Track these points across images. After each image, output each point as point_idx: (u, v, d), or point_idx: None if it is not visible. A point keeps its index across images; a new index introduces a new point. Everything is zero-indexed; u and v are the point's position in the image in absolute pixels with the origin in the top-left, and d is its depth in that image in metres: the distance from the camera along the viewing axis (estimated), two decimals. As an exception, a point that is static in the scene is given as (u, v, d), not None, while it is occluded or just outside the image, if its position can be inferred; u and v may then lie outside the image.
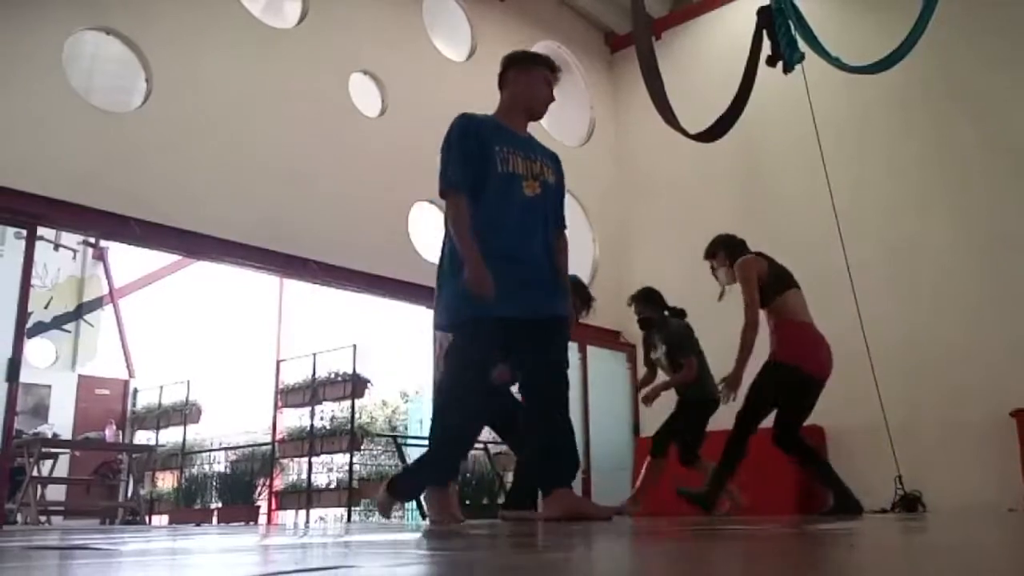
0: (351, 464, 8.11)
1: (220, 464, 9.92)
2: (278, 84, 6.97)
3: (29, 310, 6.17)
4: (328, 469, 8.76)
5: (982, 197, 7.34)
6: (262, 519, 8.92)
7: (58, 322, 11.84)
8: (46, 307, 11.61)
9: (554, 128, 8.17)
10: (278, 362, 9.17)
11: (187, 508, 9.67)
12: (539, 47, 9.26)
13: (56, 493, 9.62)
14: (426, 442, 6.54)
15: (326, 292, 8.16)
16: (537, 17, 9.41)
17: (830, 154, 6.75)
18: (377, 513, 5.74)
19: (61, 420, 11.04)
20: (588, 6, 10.01)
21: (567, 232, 3.71)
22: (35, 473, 7.94)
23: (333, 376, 8.43)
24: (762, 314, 4.61)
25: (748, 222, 8.49)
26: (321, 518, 8.99)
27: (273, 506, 8.93)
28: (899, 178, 7.81)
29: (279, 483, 9.01)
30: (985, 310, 7.10)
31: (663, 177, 9.36)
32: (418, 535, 2.77)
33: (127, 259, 12.17)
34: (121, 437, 10.96)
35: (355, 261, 7.26)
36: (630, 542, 1.97)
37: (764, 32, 6.82)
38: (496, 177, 3.39)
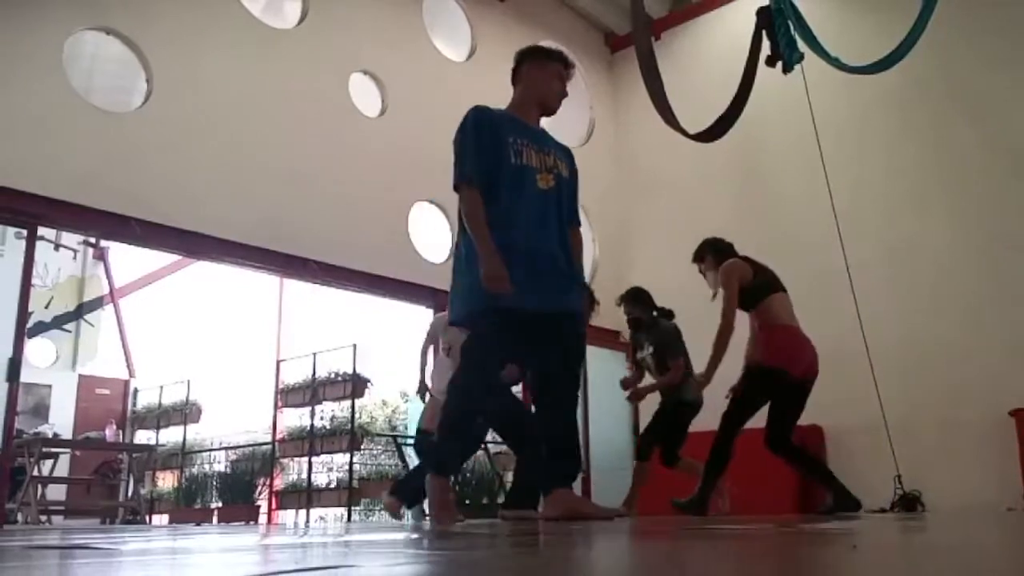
0: (351, 464, 8.11)
1: (220, 464, 9.92)
2: (278, 84, 6.97)
3: (29, 310, 6.18)
4: (328, 469, 8.76)
5: (981, 197, 7.35)
6: (262, 519, 8.92)
7: (58, 322, 11.84)
8: (46, 307, 11.61)
9: (554, 128, 8.13)
10: (278, 362, 9.17)
11: (187, 508, 9.67)
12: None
13: (56, 493, 9.62)
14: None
15: (326, 292, 8.16)
16: (537, 17, 9.41)
17: (829, 154, 6.75)
18: (387, 514, 5.75)
19: (61, 420, 11.04)
20: (588, 6, 10.02)
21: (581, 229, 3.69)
22: (35, 473, 7.94)
23: (333, 376, 8.43)
24: (746, 317, 4.65)
25: (747, 222, 8.52)
26: (321, 518, 8.99)
27: (273, 506, 8.93)
28: (898, 178, 7.81)
29: (279, 483, 9.01)
30: (984, 310, 7.10)
31: (663, 177, 9.37)
32: (418, 535, 2.78)
33: (127, 259, 12.17)
34: (121, 437, 10.96)
35: (355, 261, 7.27)
36: (629, 542, 1.98)
37: (763, 32, 6.83)
38: (510, 169, 3.38)
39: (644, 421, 6.07)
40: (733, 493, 5.22)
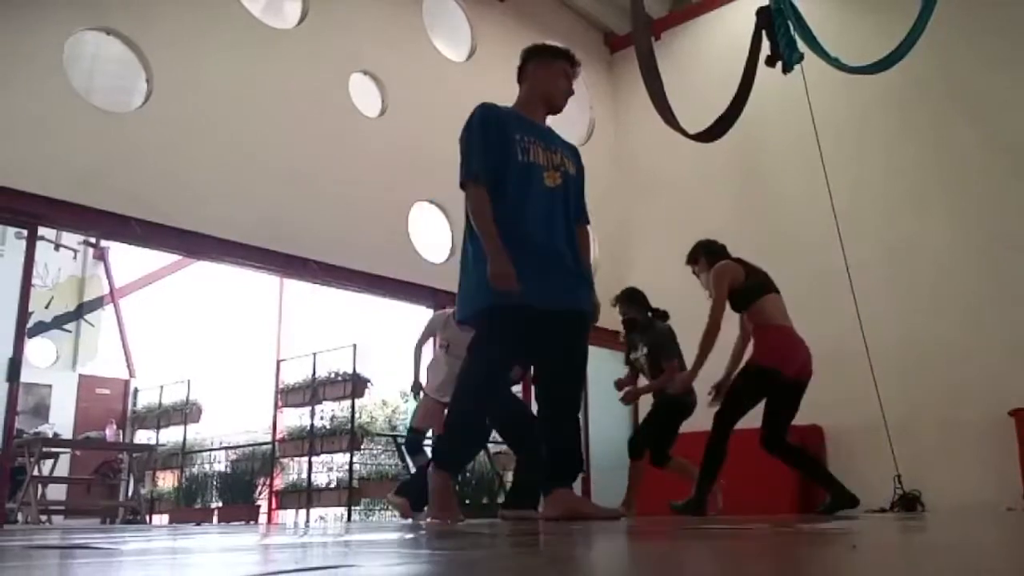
0: (351, 463, 8.11)
1: (220, 463, 9.92)
2: (278, 84, 6.97)
3: (30, 310, 6.18)
4: (328, 468, 8.76)
5: (981, 197, 7.35)
6: (262, 518, 8.93)
7: (59, 322, 11.85)
8: (47, 307, 11.62)
9: (554, 128, 8.16)
10: (278, 362, 9.17)
11: (187, 507, 9.67)
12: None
13: (57, 492, 9.63)
14: (426, 442, 6.56)
15: (326, 292, 8.17)
16: (537, 17, 9.41)
17: (829, 154, 6.76)
18: (398, 514, 5.74)
19: (62, 420, 11.04)
20: (587, 7, 10.03)
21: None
22: (36, 472, 7.95)
23: (333, 376, 8.43)
24: (734, 319, 4.68)
25: (747, 222, 8.53)
26: (321, 517, 8.99)
27: (273, 505, 8.93)
28: (898, 178, 7.82)
29: (279, 482, 9.01)
30: (984, 310, 7.11)
31: (663, 177, 9.37)
32: (418, 535, 2.78)
33: (128, 259, 12.18)
34: (122, 436, 10.97)
35: (355, 261, 7.27)
36: (628, 542, 1.98)
37: (763, 32, 6.83)
38: (517, 167, 3.37)
39: (644, 421, 6.05)
40: (725, 489, 5.24)
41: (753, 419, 4.74)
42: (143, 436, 11.11)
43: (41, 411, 11.11)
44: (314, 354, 8.62)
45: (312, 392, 8.52)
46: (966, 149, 7.52)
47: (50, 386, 11.37)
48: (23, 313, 5.77)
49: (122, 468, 10.41)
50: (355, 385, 8.17)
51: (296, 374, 8.82)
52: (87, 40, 6.24)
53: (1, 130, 5.50)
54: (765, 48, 6.86)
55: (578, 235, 3.55)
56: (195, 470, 10.09)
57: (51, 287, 11.72)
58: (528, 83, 3.65)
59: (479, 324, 3.40)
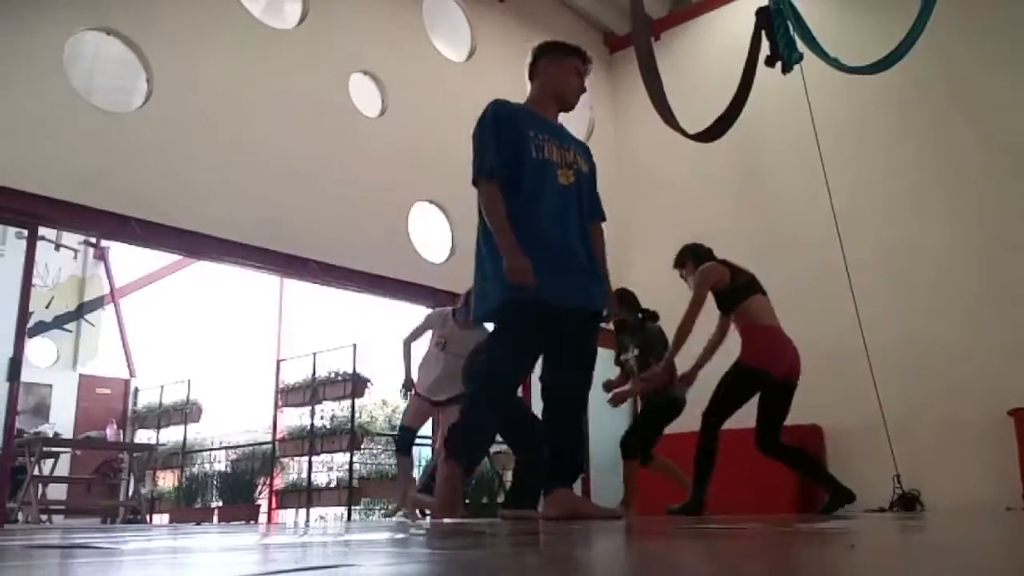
0: (351, 463, 8.12)
1: (221, 463, 9.93)
2: (278, 84, 6.98)
3: (30, 310, 6.19)
4: (328, 468, 8.76)
5: (980, 197, 7.35)
6: (262, 518, 8.93)
7: (59, 322, 11.86)
8: (47, 307, 11.63)
9: (554, 128, 8.17)
10: (278, 361, 9.18)
11: (188, 507, 9.68)
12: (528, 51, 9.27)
13: (57, 492, 9.63)
14: (426, 441, 6.58)
15: (326, 292, 8.17)
16: (536, 18, 9.42)
17: (829, 154, 6.76)
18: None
19: (62, 419, 11.06)
20: (587, 7, 10.03)
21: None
22: (36, 472, 7.95)
23: (333, 375, 8.44)
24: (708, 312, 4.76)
25: (747, 222, 8.54)
26: (321, 517, 8.99)
27: (273, 505, 8.94)
28: (897, 178, 7.82)
29: (279, 482, 9.02)
30: (983, 309, 7.11)
31: (662, 177, 9.37)
32: (418, 534, 2.78)
33: (128, 259, 12.19)
34: (122, 436, 10.98)
35: (355, 261, 7.28)
36: (628, 542, 1.98)
37: (763, 32, 6.83)
38: (531, 164, 3.34)
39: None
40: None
41: (750, 420, 4.75)
42: (143, 436, 11.12)
43: (42, 411, 11.13)
44: (314, 354, 8.63)
45: (312, 392, 8.53)
46: (966, 149, 7.52)
47: (50, 386, 11.38)
48: (23, 313, 5.77)
49: (122, 468, 10.42)
50: (355, 385, 8.18)
51: (296, 374, 8.83)
52: (87, 40, 6.24)
53: (1, 130, 5.50)
54: (765, 48, 6.86)
55: (592, 233, 3.54)
56: (195, 470, 10.11)
57: (51, 287, 11.73)
58: (540, 80, 3.61)
59: (496, 319, 3.36)
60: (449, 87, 8.32)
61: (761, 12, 6.85)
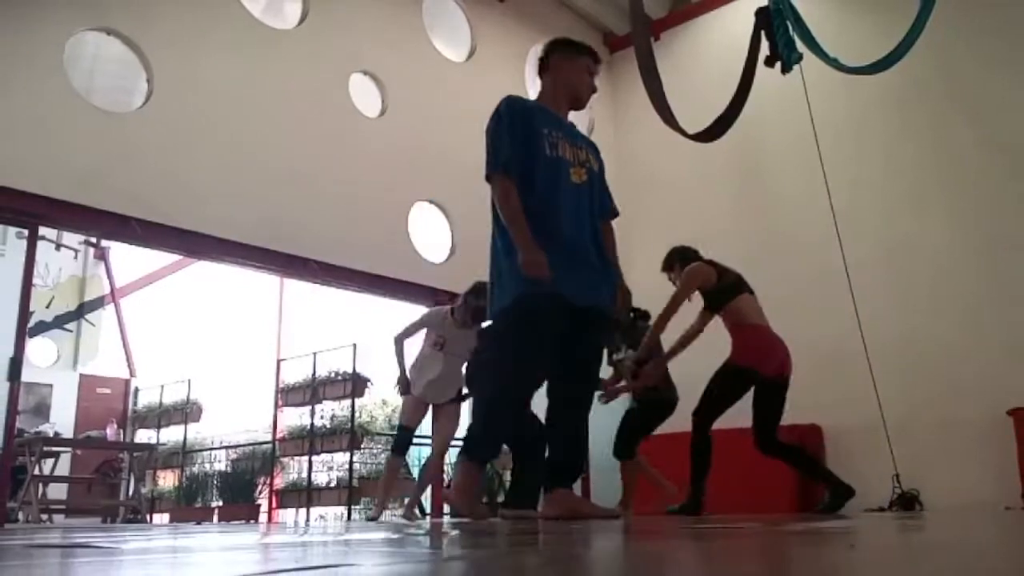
0: (351, 463, 8.13)
1: (221, 463, 9.94)
2: (278, 84, 6.98)
3: (31, 309, 6.19)
4: (328, 468, 8.77)
5: (979, 197, 7.35)
6: (263, 517, 8.94)
7: (59, 321, 11.87)
8: (48, 306, 11.64)
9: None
10: (278, 361, 9.19)
11: (188, 506, 9.69)
12: (538, 48, 9.28)
13: (57, 492, 9.64)
14: (427, 441, 6.58)
15: (326, 292, 8.17)
16: (536, 18, 9.42)
17: (828, 154, 6.76)
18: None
19: (62, 419, 11.07)
20: (587, 7, 10.02)
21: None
22: (37, 472, 7.96)
23: (333, 375, 8.45)
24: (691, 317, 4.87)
25: (747, 222, 8.55)
26: (321, 516, 9.00)
27: (273, 504, 8.95)
28: (897, 178, 7.82)
29: (279, 481, 9.03)
30: (982, 309, 7.11)
31: (662, 177, 9.37)
32: (418, 534, 2.79)
33: (128, 259, 12.20)
34: (122, 436, 10.99)
35: (355, 261, 7.28)
36: (627, 542, 1.99)
37: (762, 33, 6.83)
38: (545, 161, 3.33)
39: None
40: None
41: (750, 419, 4.76)
42: (144, 435, 11.13)
43: (42, 410, 11.13)
44: (314, 354, 8.63)
45: (312, 391, 8.54)
46: (965, 149, 7.52)
47: (51, 385, 11.40)
48: (24, 313, 5.78)
49: (123, 467, 10.43)
50: (355, 384, 8.19)
51: (296, 373, 8.84)
52: (87, 40, 6.24)
53: (2, 130, 5.50)
54: (764, 48, 6.86)
55: (603, 231, 3.54)
56: (195, 469, 10.12)
57: (52, 287, 11.74)
58: (552, 76, 3.59)
59: (511, 315, 3.32)
60: (449, 87, 8.32)
61: (761, 12, 6.85)
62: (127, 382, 12.18)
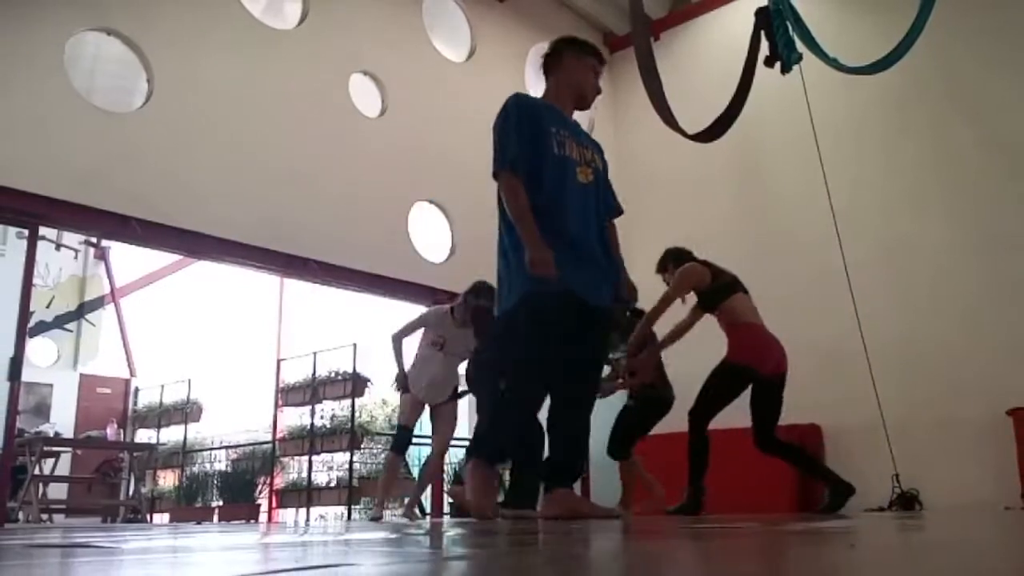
0: (351, 462, 8.13)
1: (221, 462, 9.94)
2: (278, 85, 6.98)
3: (31, 309, 6.19)
4: (328, 467, 8.77)
5: (979, 197, 7.35)
6: (263, 517, 8.94)
7: (60, 321, 11.87)
8: (48, 306, 11.64)
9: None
10: (279, 361, 9.19)
11: (188, 506, 9.69)
12: (538, 48, 9.28)
13: (58, 491, 9.65)
14: (427, 441, 6.58)
15: (326, 291, 8.18)
16: (536, 18, 9.42)
17: (828, 154, 6.77)
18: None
19: (63, 419, 11.08)
20: (587, 7, 10.03)
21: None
22: (37, 472, 7.96)
23: (333, 375, 8.45)
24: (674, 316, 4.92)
25: (746, 222, 8.55)
26: (321, 516, 9.00)
27: (274, 504, 8.95)
28: (896, 178, 7.82)
29: (280, 481, 9.03)
30: (982, 309, 7.11)
31: (662, 177, 9.37)
32: (419, 534, 2.79)
33: (128, 258, 12.20)
34: (122, 436, 10.99)
35: (355, 261, 7.28)
36: (627, 541, 1.99)
37: (762, 33, 6.83)
38: (552, 160, 3.32)
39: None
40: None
41: (748, 419, 4.77)
42: (144, 435, 11.13)
43: (42, 410, 11.14)
44: (314, 353, 8.63)
45: (312, 391, 8.53)
46: (964, 149, 7.52)
47: (51, 385, 11.40)
48: (24, 313, 5.78)
49: (123, 467, 10.43)
50: (355, 384, 8.18)
51: (296, 373, 8.84)
52: (88, 40, 6.25)
53: (2, 130, 5.51)
54: (764, 48, 6.86)
55: (608, 229, 3.54)
56: (196, 469, 10.11)
57: (52, 287, 11.75)
58: (560, 74, 3.58)
59: (522, 311, 3.28)
60: (449, 87, 8.33)
61: (760, 12, 6.85)
62: (127, 382, 12.18)
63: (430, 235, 7.97)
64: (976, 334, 7.07)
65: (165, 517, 9.99)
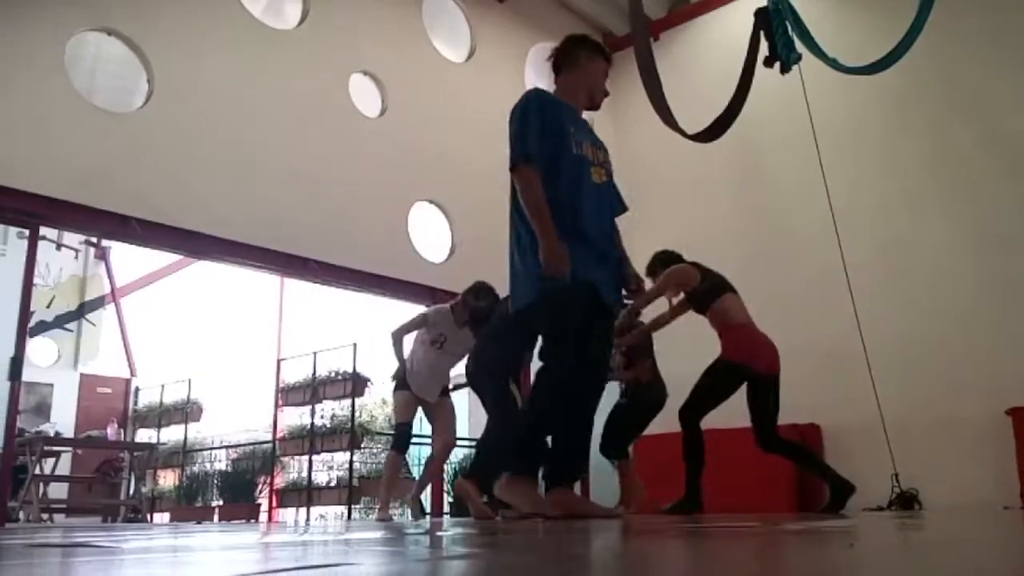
0: (351, 462, 8.13)
1: (221, 462, 9.95)
2: (279, 85, 6.99)
3: (31, 309, 6.20)
4: (328, 467, 8.78)
5: (977, 197, 7.36)
6: (263, 517, 8.95)
7: (60, 321, 11.87)
8: (48, 306, 11.64)
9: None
10: (279, 361, 9.19)
11: (188, 506, 9.69)
12: (537, 48, 9.29)
13: (58, 491, 9.65)
14: (427, 440, 6.58)
15: (326, 291, 8.18)
16: (536, 18, 9.43)
17: (827, 154, 6.77)
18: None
19: (63, 418, 11.08)
20: (587, 7, 10.02)
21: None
22: (37, 471, 7.97)
23: (333, 375, 8.45)
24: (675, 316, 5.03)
25: (746, 222, 8.56)
26: (321, 516, 9.01)
27: (274, 504, 8.95)
28: (895, 178, 7.82)
29: (280, 481, 9.03)
30: (981, 309, 7.12)
31: (662, 177, 9.37)
32: (419, 533, 2.79)
33: (129, 258, 12.20)
34: (123, 435, 10.99)
35: (355, 261, 7.29)
36: (627, 541, 1.99)
37: (762, 33, 6.84)
38: (570, 159, 3.32)
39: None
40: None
41: (747, 418, 4.77)
42: (144, 435, 11.13)
43: (43, 410, 11.14)
44: (314, 353, 8.64)
45: (312, 391, 8.54)
46: (963, 149, 7.53)
47: (52, 385, 11.40)
48: (25, 312, 5.79)
49: (123, 467, 10.43)
50: (355, 384, 8.19)
51: (296, 373, 8.84)
52: (88, 41, 6.25)
53: (3, 130, 5.51)
54: (763, 48, 6.87)
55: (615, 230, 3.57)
56: (196, 469, 10.12)
57: (53, 286, 11.75)
58: (573, 74, 3.56)
59: (547, 307, 3.24)
60: (449, 87, 8.33)
61: (760, 13, 6.86)
62: (127, 382, 12.19)
63: (430, 235, 7.98)
64: (975, 334, 7.07)
65: (165, 517, 10.00)
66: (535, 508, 3.32)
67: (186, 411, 10.40)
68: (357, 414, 8.30)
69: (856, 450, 6.82)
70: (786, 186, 8.35)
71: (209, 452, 10.25)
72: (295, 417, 8.85)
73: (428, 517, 7.28)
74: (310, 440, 8.45)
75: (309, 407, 8.57)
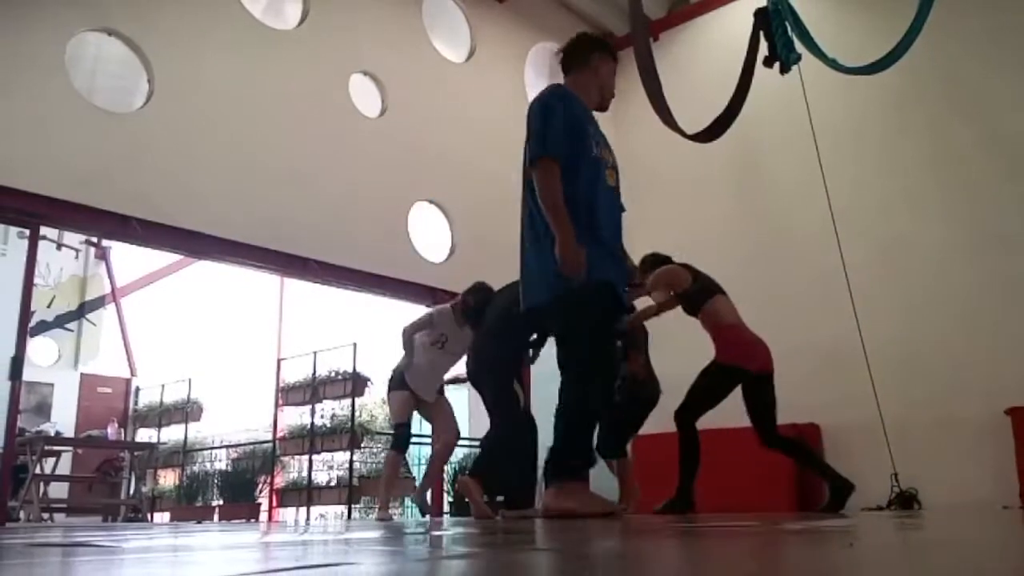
0: (351, 462, 8.14)
1: (221, 462, 9.96)
2: (279, 85, 6.99)
3: (32, 309, 6.20)
4: (328, 467, 8.79)
5: (977, 197, 7.36)
6: (263, 516, 8.95)
7: (61, 321, 11.88)
8: (49, 306, 11.65)
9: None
10: (279, 360, 9.20)
11: (188, 505, 9.70)
12: (537, 49, 9.29)
13: (59, 491, 9.66)
14: (427, 440, 6.59)
15: (326, 291, 8.19)
16: (536, 18, 9.43)
17: (827, 154, 6.77)
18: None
19: (64, 418, 11.09)
20: (586, 7, 10.02)
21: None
22: (38, 471, 7.98)
23: (333, 374, 8.46)
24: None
25: (746, 222, 8.56)
26: (321, 515, 9.02)
27: (274, 503, 8.96)
28: (895, 178, 7.82)
29: (280, 481, 9.04)
30: (981, 308, 7.12)
31: (661, 177, 9.37)
32: (417, 533, 2.80)
33: (129, 258, 12.22)
34: (123, 435, 11.00)
35: (355, 261, 7.29)
36: (626, 541, 1.99)
37: (761, 33, 6.83)
38: (589, 160, 3.32)
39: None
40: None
41: (745, 418, 4.78)
42: (144, 434, 11.14)
43: (43, 410, 11.15)
44: (314, 353, 8.64)
45: (312, 391, 8.55)
46: (963, 149, 7.52)
47: (52, 385, 11.41)
48: (25, 312, 5.79)
49: (123, 466, 10.44)
50: (355, 384, 8.20)
51: (296, 373, 8.85)
52: (89, 41, 6.25)
53: (3, 130, 5.51)
54: (763, 49, 6.86)
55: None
56: (196, 468, 10.13)
57: (53, 286, 11.76)
58: (585, 74, 3.55)
59: (564, 305, 3.24)
60: (449, 87, 8.33)
61: (759, 13, 6.85)
62: (128, 381, 12.20)
63: (430, 235, 7.98)
64: (975, 333, 7.07)
65: (166, 516, 10.01)
66: (604, 508, 3.30)
67: (186, 411, 10.41)
68: (357, 414, 8.31)
69: (855, 450, 6.82)
70: (786, 186, 8.35)
71: (209, 452, 10.25)
72: (295, 417, 8.86)
73: (428, 517, 7.28)
74: (310, 440, 8.46)
75: (309, 407, 8.58)
